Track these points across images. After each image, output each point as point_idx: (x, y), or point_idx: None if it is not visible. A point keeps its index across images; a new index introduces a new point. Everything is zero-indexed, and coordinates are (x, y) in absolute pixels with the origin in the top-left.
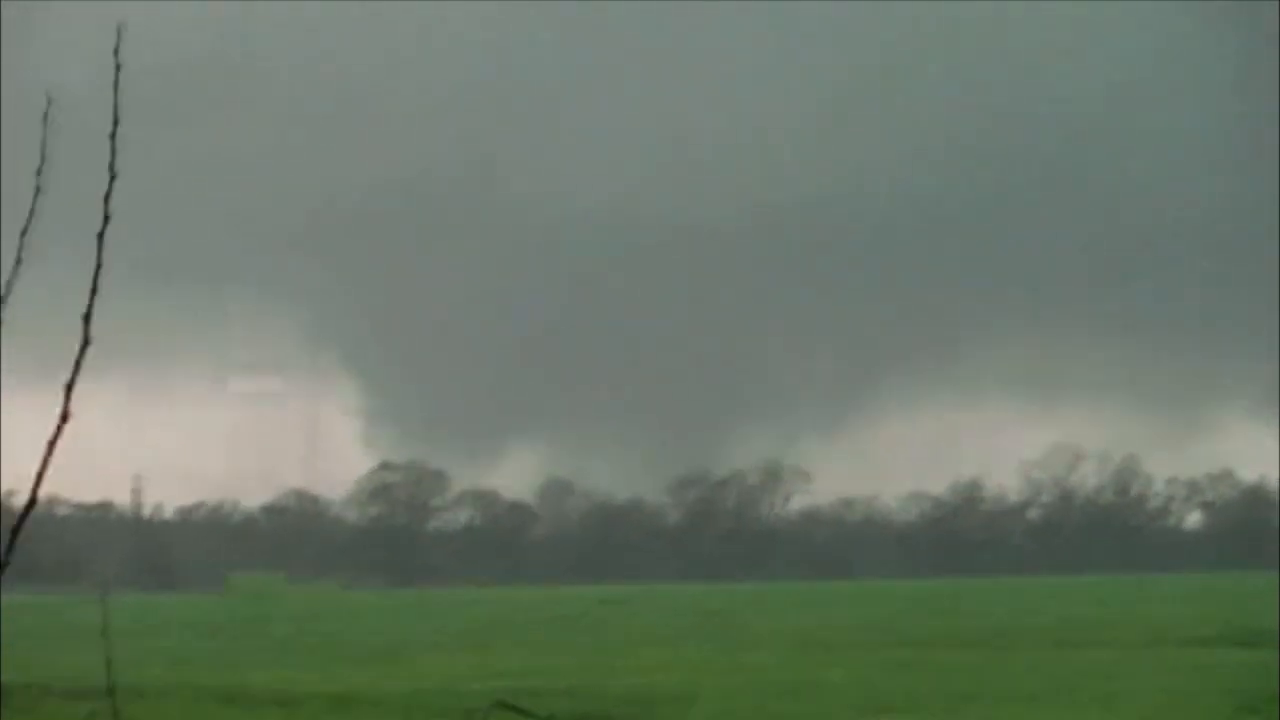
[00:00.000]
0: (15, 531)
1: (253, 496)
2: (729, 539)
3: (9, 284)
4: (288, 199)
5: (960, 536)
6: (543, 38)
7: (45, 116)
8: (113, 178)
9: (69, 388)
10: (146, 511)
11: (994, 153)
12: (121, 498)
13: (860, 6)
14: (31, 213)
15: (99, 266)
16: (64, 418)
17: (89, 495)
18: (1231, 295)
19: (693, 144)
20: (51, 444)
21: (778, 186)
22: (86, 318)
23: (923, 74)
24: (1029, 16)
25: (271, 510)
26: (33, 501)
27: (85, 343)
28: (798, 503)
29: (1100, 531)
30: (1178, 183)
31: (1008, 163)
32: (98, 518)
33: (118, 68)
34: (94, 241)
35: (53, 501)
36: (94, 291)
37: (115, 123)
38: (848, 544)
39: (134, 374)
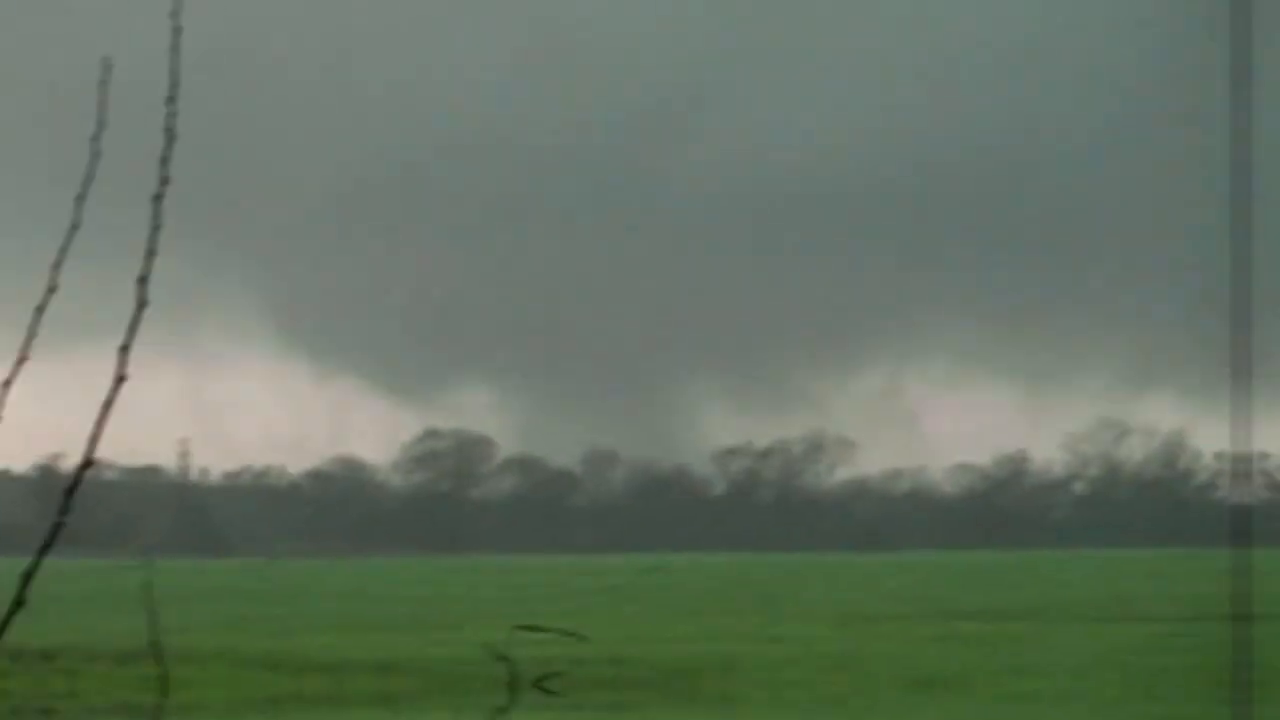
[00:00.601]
0: (70, 491)
1: (296, 463)
2: (773, 509)
3: (63, 249)
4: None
5: (1005, 509)
6: None
7: (101, 82)
8: (171, 139)
9: (125, 349)
10: (192, 476)
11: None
12: (168, 462)
13: None
14: (88, 178)
15: (156, 229)
16: (120, 379)
17: (135, 459)
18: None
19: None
20: (108, 405)
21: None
22: (143, 280)
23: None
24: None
25: (316, 476)
26: (89, 462)
27: (141, 304)
28: (842, 474)
29: (1146, 505)
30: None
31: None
32: (143, 481)
33: (176, 30)
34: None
35: (98, 465)
36: (151, 254)
37: (174, 85)
38: (892, 515)
39: (170, 338)
